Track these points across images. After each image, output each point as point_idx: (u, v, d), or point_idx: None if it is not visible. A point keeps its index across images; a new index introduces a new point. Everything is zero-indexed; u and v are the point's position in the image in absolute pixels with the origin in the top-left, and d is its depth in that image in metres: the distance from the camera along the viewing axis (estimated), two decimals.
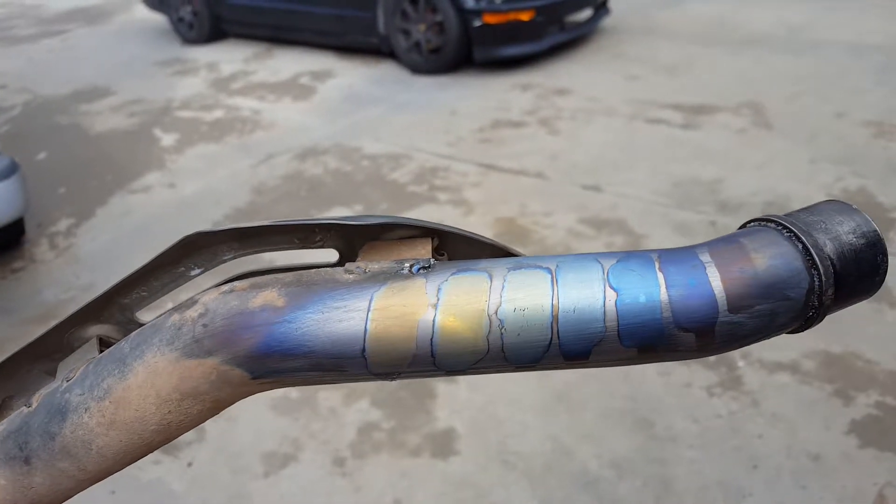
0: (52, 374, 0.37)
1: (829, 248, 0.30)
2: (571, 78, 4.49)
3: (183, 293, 0.34)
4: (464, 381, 2.02)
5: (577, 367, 0.31)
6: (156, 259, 0.35)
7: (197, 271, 0.36)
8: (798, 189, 2.89)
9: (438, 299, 0.30)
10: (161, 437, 0.31)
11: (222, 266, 0.37)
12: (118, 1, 8.55)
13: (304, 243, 0.36)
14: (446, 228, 0.35)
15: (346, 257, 0.36)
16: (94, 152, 4.09)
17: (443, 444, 1.82)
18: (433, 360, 0.30)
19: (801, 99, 3.81)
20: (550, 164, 3.35)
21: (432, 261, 0.32)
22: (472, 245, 0.36)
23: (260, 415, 1.98)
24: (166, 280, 0.36)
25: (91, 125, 4.51)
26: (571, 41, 5.11)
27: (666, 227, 2.70)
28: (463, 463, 1.76)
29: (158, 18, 7.07)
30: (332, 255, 0.37)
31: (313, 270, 0.33)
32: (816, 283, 0.30)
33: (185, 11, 6.23)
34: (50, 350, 0.37)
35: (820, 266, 0.29)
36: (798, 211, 0.32)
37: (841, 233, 0.30)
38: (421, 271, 0.32)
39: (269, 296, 0.31)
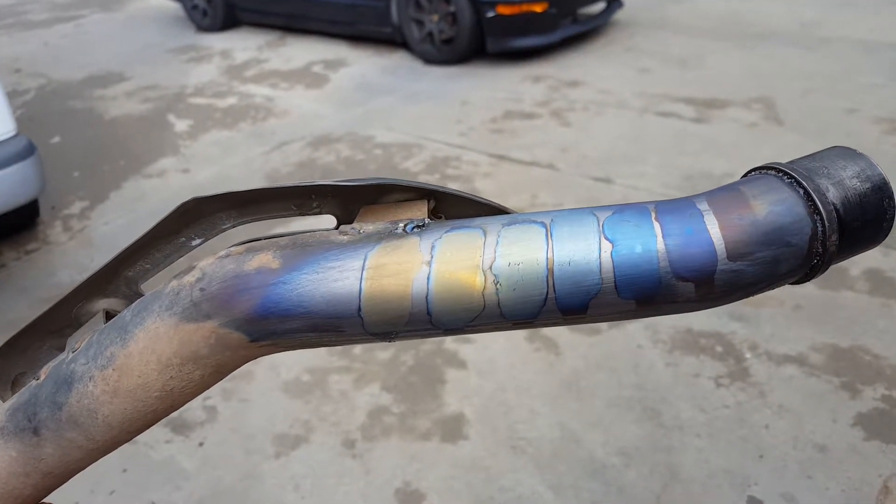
0: (62, 349, 0.37)
1: (832, 193, 0.29)
2: (583, 70, 4.49)
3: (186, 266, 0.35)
4: (473, 367, 2.04)
5: (575, 322, 0.31)
6: (155, 228, 0.34)
7: (198, 241, 0.36)
8: None
9: (432, 256, 0.30)
10: (165, 404, 0.31)
11: (227, 238, 0.38)
12: None
13: (302, 209, 0.35)
14: (443, 189, 0.35)
15: (344, 223, 0.36)
16: (109, 137, 4.12)
17: (452, 429, 1.84)
18: (429, 317, 0.30)
19: (813, 94, 3.80)
20: (561, 155, 3.36)
21: (426, 220, 0.32)
22: (469, 206, 0.36)
23: (272, 397, 2.01)
24: (168, 251, 0.36)
25: (105, 110, 4.54)
26: (584, 34, 5.10)
27: None
28: (472, 448, 1.78)
29: (173, 5, 7.10)
30: (331, 223, 0.37)
31: (308, 233, 0.33)
32: (819, 229, 0.29)
33: None
34: (59, 326, 0.37)
35: (822, 211, 0.28)
36: (800, 158, 0.31)
37: (844, 177, 0.29)
38: (415, 230, 0.31)
39: (264, 258, 0.31)
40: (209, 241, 0.36)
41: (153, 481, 1.78)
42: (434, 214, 0.35)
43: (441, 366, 2.06)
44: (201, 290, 0.30)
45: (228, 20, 6.23)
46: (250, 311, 0.30)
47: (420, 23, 4.88)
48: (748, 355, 2.00)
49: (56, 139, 4.13)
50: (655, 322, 2.14)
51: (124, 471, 1.81)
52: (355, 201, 0.35)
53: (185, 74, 5.14)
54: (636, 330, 2.13)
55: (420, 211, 0.33)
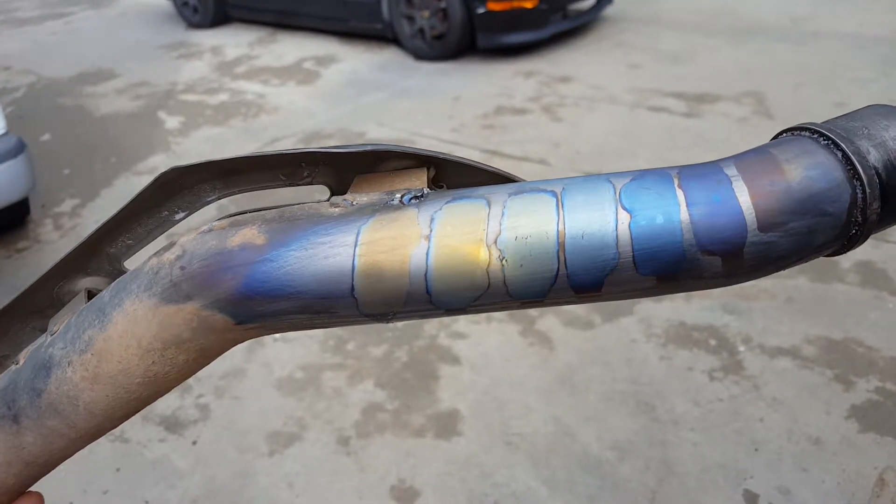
0: (46, 330, 0.36)
1: (874, 156, 0.26)
2: (574, 66, 4.49)
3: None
4: (467, 363, 2.03)
5: (590, 301, 0.28)
6: (134, 200, 0.32)
7: (181, 215, 0.34)
8: None
9: (432, 230, 0.27)
10: (149, 391, 0.30)
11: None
12: None
13: (292, 179, 0.33)
14: (444, 156, 0.32)
15: (338, 193, 0.33)
16: (99, 134, 4.09)
17: (447, 425, 1.84)
18: (429, 297, 0.28)
19: (803, 89, 3.81)
20: (553, 150, 3.35)
21: (426, 190, 0.30)
22: (473, 174, 0.33)
23: (265, 394, 2.00)
24: (151, 226, 0.34)
25: (96, 107, 4.51)
26: (574, 29, 5.10)
27: None
28: (467, 443, 1.78)
29: (163, 2, 7.06)
30: (324, 194, 0.34)
31: (297, 205, 0.30)
32: (859, 195, 0.26)
33: None
34: (42, 306, 0.35)
35: (863, 176, 0.26)
36: (836, 118, 0.28)
37: (887, 139, 0.26)
38: (413, 201, 0.29)
39: (248, 233, 0.28)
40: (194, 215, 0.35)
41: (147, 480, 1.77)
42: (434, 184, 0.33)
43: (435, 361, 2.06)
44: (181, 268, 0.28)
45: (219, 17, 6.19)
46: (234, 292, 0.28)
47: (411, 19, 4.86)
48: (741, 348, 2.00)
49: (46, 137, 4.09)
50: (649, 315, 2.15)
51: (118, 470, 1.80)
52: (349, 170, 0.33)
53: (175, 71, 5.11)
54: (630, 324, 2.13)
55: (419, 180, 0.31)
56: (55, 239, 2.99)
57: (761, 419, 1.76)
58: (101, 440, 1.90)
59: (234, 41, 5.77)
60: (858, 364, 1.91)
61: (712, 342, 2.03)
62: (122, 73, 5.16)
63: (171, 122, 4.17)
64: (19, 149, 2.59)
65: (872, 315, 2.09)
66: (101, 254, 0.34)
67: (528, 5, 4.54)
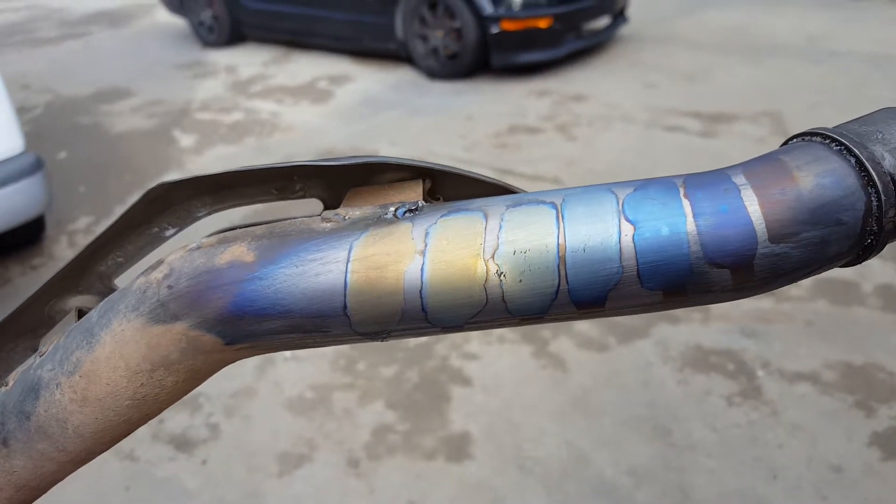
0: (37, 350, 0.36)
1: (889, 161, 0.25)
2: (589, 85, 4.49)
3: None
4: (479, 384, 2.01)
5: (593, 317, 0.27)
6: (123, 218, 0.32)
7: (171, 231, 0.34)
8: None
9: (426, 245, 0.27)
10: (139, 413, 0.29)
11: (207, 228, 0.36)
12: (140, 4, 8.64)
13: (284, 193, 0.33)
14: (440, 167, 0.31)
15: (332, 207, 0.32)
16: (114, 152, 4.13)
17: (458, 448, 1.81)
18: (425, 314, 0.27)
19: (820, 108, 3.78)
20: (567, 169, 3.34)
21: (420, 203, 0.29)
22: (470, 186, 0.32)
23: (275, 414, 1.98)
24: (141, 243, 0.34)
25: (111, 125, 4.56)
26: (589, 48, 5.11)
27: None
28: (478, 467, 1.75)
29: (179, 22, 7.14)
30: (318, 207, 0.34)
31: (287, 220, 0.30)
32: (874, 203, 0.25)
33: (206, 15, 6.28)
34: (33, 326, 0.35)
35: (878, 183, 0.24)
36: (848, 122, 0.27)
37: None
38: (407, 215, 0.28)
39: (237, 250, 0.28)
40: (184, 231, 0.34)
41: (156, 500, 1.75)
42: (431, 196, 0.32)
43: (446, 382, 2.03)
44: (169, 287, 0.27)
45: (234, 36, 6.26)
46: (223, 311, 0.27)
47: (425, 38, 4.89)
48: (760, 373, 1.96)
49: (63, 154, 4.14)
50: (665, 338, 2.11)
51: (127, 489, 1.78)
52: (342, 183, 0.32)
53: (190, 90, 5.16)
54: (646, 346, 2.09)
55: (414, 192, 0.30)
56: (69, 256, 3.00)
57: (780, 445, 1.72)
58: (111, 459, 1.89)
59: (248, 60, 5.83)
60: (880, 390, 1.86)
61: (730, 366, 2.00)
62: (137, 91, 5.21)
63: (186, 140, 4.21)
64: (37, 167, 2.61)
65: (894, 339, 2.04)
66: (91, 272, 0.34)
67: (543, 25, 4.55)
